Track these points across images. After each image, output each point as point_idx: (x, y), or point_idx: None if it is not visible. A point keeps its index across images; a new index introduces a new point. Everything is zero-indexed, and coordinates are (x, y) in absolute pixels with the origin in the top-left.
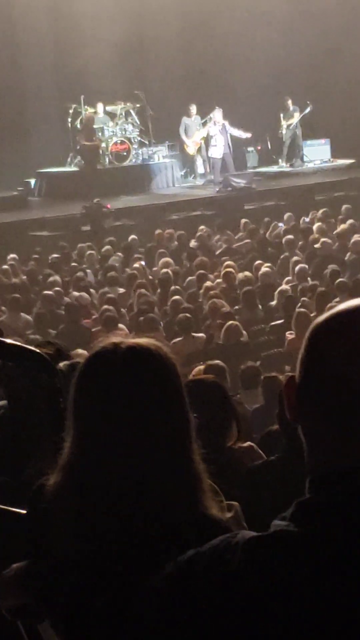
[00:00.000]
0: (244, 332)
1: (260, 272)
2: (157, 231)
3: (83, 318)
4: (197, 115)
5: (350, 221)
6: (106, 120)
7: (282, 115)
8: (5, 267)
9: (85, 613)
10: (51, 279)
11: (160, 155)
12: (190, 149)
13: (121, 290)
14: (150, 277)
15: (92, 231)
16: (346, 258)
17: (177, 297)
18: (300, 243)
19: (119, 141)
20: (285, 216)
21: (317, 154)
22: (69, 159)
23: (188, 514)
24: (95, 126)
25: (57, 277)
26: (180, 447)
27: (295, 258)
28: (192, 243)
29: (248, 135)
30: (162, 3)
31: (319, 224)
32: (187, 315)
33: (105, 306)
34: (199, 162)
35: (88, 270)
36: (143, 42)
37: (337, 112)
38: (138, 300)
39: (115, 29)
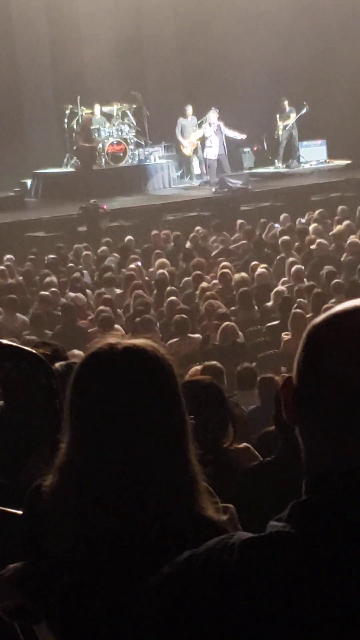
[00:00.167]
0: (240, 333)
1: (257, 273)
2: (154, 232)
3: (79, 319)
4: (194, 116)
5: (346, 222)
6: (103, 121)
7: (278, 116)
8: (1, 267)
9: (82, 614)
10: (47, 279)
11: (156, 156)
12: (187, 149)
13: (117, 291)
14: (147, 278)
15: (89, 232)
16: (342, 259)
17: (173, 298)
18: (296, 244)
19: (115, 142)
20: (282, 217)
21: (314, 154)
22: (65, 160)
23: (184, 514)
24: (92, 127)
25: (53, 278)
26: (177, 448)
27: (291, 259)
28: (187, 244)
29: (243, 136)
30: (159, 4)
31: (315, 224)
32: (184, 316)
33: (102, 307)
34: (195, 163)
35: (84, 271)
36: (140, 43)
37: (333, 113)
38: (134, 301)
39: (112, 29)
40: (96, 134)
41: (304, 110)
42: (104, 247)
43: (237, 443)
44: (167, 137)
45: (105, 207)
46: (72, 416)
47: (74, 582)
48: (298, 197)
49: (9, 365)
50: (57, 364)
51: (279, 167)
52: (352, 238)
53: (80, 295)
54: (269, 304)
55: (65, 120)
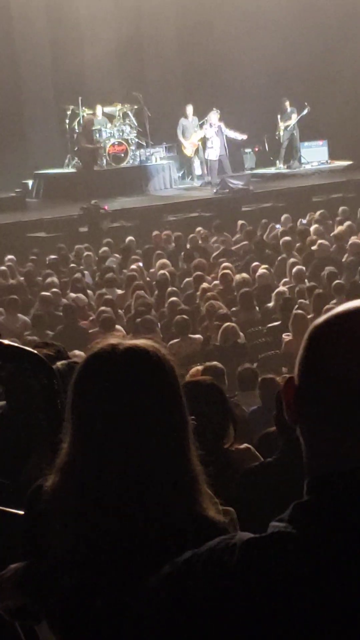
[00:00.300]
0: (241, 333)
1: (258, 274)
2: (155, 233)
3: (80, 319)
4: (195, 116)
5: (347, 223)
6: (104, 121)
7: (279, 116)
8: (2, 268)
9: (83, 614)
10: (49, 280)
11: (157, 156)
12: (188, 150)
13: (119, 291)
14: (148, 278)
15: (90, 232)
16: (343, 260)
17: (174, 298)
18: (297, 245)
19: (116, 142)
20: (283, 218)
21: (315, 155)
22: (66, 161)
23: (185, 515)
24: (93, 128)
25: (54, 279)
26: (178, 449)
27: (292, 260)
28: (188, 245)
29: (244, 136)
30: (160, 4)
31: (317, 225)
32: (184, 316)
33: (103, 307)
34: (197, 163)
35: (85, 272)
36: (140, 43)
37: (335, 114)
38: (135, 302)
39: (113, 30)
40: (97, 135)
41: (306, 111)
42: (105, 248)
43: (238, 444)
44: (168, 138)
45: (106, 207)
46: (74, 416)
47: (75, 582)
48: (299, 197)
49: (10, 365)
50: (59, 363)
51: (280, 167)
52: (353, 239)
53: (81, 295)
54: (270, 304)
55: (67, 121)
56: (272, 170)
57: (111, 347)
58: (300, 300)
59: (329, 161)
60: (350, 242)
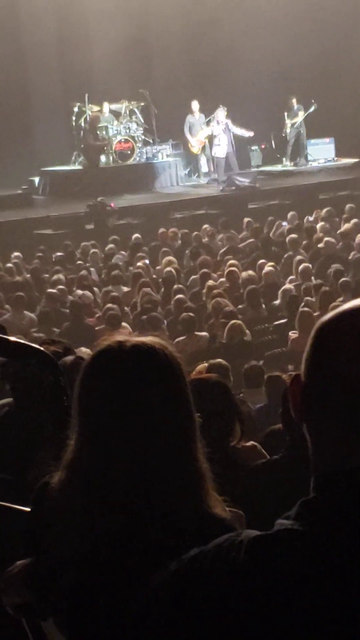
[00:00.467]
0: (248, 331)
1: (264, 271)
2: (161, 230)
3: (87, 316)
4: (201, 114)
5: (354, 220)
6: (111, 118)
7: (286, 114)
8: (9, 265)
9: (89, 611)
10: (55, 277)
11: (164, 153)
12: (195, 147)
13: (125, 288)
14: (154, 276)
15: (96, 230)
16: (350, 257)
17: (180, 296)
18: (304, 242)
19: (123, 140)
20: (289, 215)
21: (322, 152)
22: (73, 158)
23: (192, 512)
24: (100, 125)
25: (61, 276)
26: (185, 446)
27: (298, 257)
28: (194, 243)
29: (251, 133)
30: (167, 2)
31: (323, 223)
32: (191, 314)
33: (109, 305)
34: (203, 160)
35: (92, 269)
36: (147, 41)
37: (341, 111)
38: (141, 299)
39: (120, 27)
40: (104, 132)
41: (312, 109)
42: (111, 245)
43: (244, 441)
44: (174, 135)
45: (112, 205)
46: (80, 413)
47: (81, 579)
48: (306, 195)
49: (17, 362)
50: (65, 360)
51: (286, 165)
52: (359, 237)
53: (87, 293)
54: (277, 302)
55: (73, 118)
56: (278, 167)
57: (118, 344)
58: (306, 298)
59: (335, 158)
60: (357, 240)
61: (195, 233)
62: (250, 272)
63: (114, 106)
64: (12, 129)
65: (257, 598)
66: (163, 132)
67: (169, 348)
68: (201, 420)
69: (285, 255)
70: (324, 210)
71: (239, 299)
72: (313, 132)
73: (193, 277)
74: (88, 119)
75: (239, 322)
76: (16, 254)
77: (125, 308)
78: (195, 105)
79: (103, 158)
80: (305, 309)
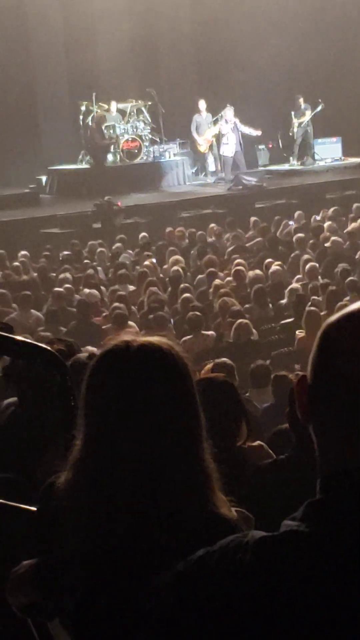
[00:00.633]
0: (254, 330)
1: (271, 271)
2: (168, 229)
3: (93, 315)
4: (208, 112)
5: None
6: (118, 117)
7: (293, 113)
8: (16, 264)
9: (94, 611)
10: (62, 276)
11: (171, 152)
12: (202, 146)
13: (131, 288)
14: (161, 275)
15: (103, 228)
16: (357, 257)
17: (187, 295)
18: (311, 241)
19: (130, 139)
20: (296, 214)
21: (329, 152)
22: (80, 157)
23: (198, 512)
24: (107, 124)
25: (67, 275)
26: (191, 446)
27: (305, 256)
28: (200, 242)
29: (258, 132)
30: (174, 1)
31: (330, 222)
32: (197, 313)
33: (116, 304)
34: (210, 159)
35: (99, 268)
36: (155, 39)
37: (348, 111)
38: (148, 298)
39: (127, 26)
40: (111, 131)
41: (319, 108)
42: (118, 244)
43: (250, 441)
44: (181, 134)
45: (119, 203)
46: (87, 413)
47: (87, 579)
48: (313, 194)
49: (23, 362)
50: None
51: (293, 164)
52: None
53: (94, 291)
54: (283, 301)
55: (81, 117)
56: (285, 166)
57: (125, 343)
58: (313, 297)
59: (342, 158)
60: None
61: (202, 232)
62: (257, 271)
63: (121, 105)
64: (19, 128)
65: (263, 599)
66: (170, 131)
67: (175, 348)
68: (207, 420)
69: (292, 255)
70: (331, 209)
71: (246, 298)
72: (320, 131)
73: (200, 276)
74: (95, 117)
75: (245, 321)
76: (23, 252)
77: (132, 307)
78: (202, 104)
79: (110, 157)
80: (312, 308)
